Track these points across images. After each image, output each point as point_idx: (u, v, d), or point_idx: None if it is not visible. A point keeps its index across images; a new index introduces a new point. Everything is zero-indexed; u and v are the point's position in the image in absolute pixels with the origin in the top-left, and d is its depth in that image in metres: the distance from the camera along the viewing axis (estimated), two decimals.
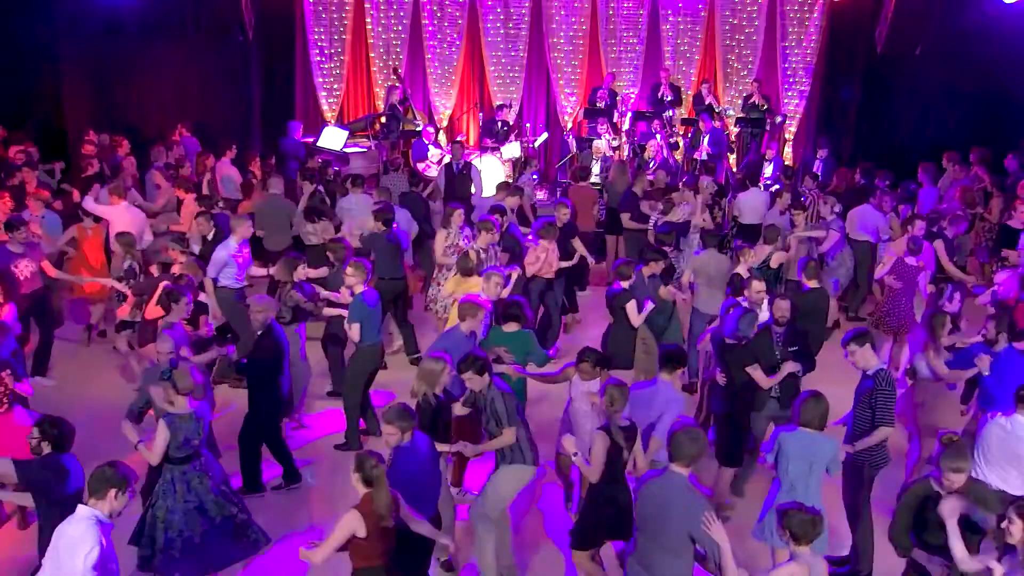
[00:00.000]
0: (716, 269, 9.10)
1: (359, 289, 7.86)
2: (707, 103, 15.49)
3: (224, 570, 6.05)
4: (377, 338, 8.03)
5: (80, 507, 4.63)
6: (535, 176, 13.42)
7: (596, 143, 14.89)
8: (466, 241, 9.47)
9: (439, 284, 9.37)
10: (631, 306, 8.08)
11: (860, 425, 6.28)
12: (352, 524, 4.80)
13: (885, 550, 5.90)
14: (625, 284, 8.21)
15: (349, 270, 7.93)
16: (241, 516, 6.00)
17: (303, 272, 8.26)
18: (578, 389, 6.64)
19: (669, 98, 15.59)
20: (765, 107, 15.34)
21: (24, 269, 8.71)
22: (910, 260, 9.32)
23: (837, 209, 10.93)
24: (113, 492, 4.62)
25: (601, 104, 15.39)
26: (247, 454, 7.28)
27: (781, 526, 4.67)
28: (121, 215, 10.13)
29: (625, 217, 11.56)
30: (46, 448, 5.31)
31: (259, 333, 7.25)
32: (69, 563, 4.41)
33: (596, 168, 14.42)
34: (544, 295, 9.82)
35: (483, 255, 9.04)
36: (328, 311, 8.49)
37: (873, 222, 11.01)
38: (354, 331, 7.79)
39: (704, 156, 14.66)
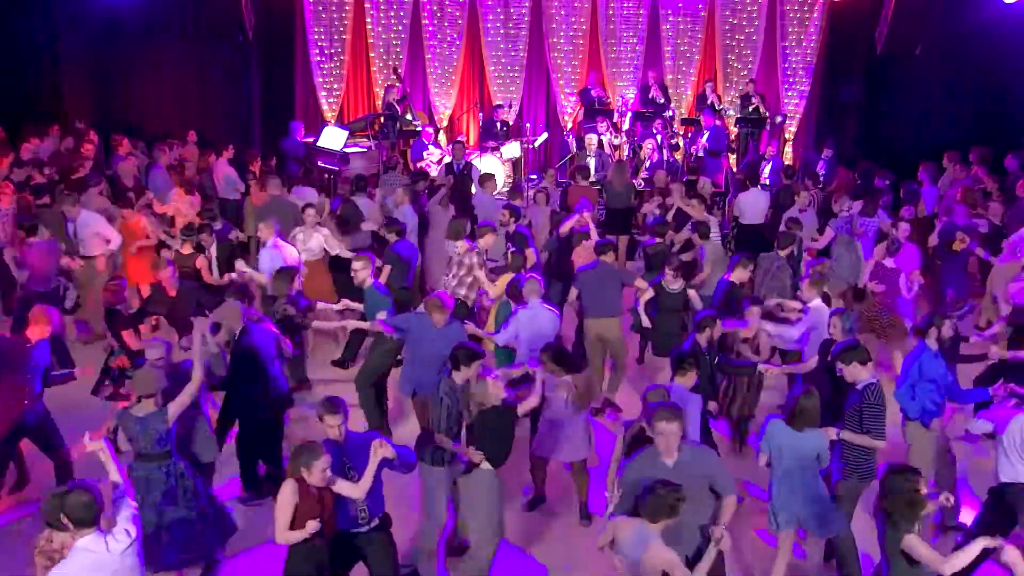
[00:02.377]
0: (720, 256, 9.58)
1: (368, 283, 7.76)
2: (710, 102, 15.47)
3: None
4: None
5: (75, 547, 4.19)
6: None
7: (588, 137, 14.47)
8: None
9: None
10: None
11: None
12: (287, 493, 4.80)
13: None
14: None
15: (356, 264, 7.80)
16: (197, 520, 5.78)
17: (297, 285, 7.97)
18: (552, 386, 6.47)
19: (660, 100, 15.55)
20: (765, 114, 15.28)
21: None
22: (888, 263, 9.32)
23: (847, 205, 10.63)
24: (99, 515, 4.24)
25: (607, 103, 15.37)
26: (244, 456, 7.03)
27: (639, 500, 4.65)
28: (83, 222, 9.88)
29: None
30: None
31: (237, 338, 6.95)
32: None
33: (592, 165, 14.22)
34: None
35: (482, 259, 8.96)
36: (348, 323, 8.20)
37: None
38: (382, 319, 7.52)
39: (701, 152, 14.61)
